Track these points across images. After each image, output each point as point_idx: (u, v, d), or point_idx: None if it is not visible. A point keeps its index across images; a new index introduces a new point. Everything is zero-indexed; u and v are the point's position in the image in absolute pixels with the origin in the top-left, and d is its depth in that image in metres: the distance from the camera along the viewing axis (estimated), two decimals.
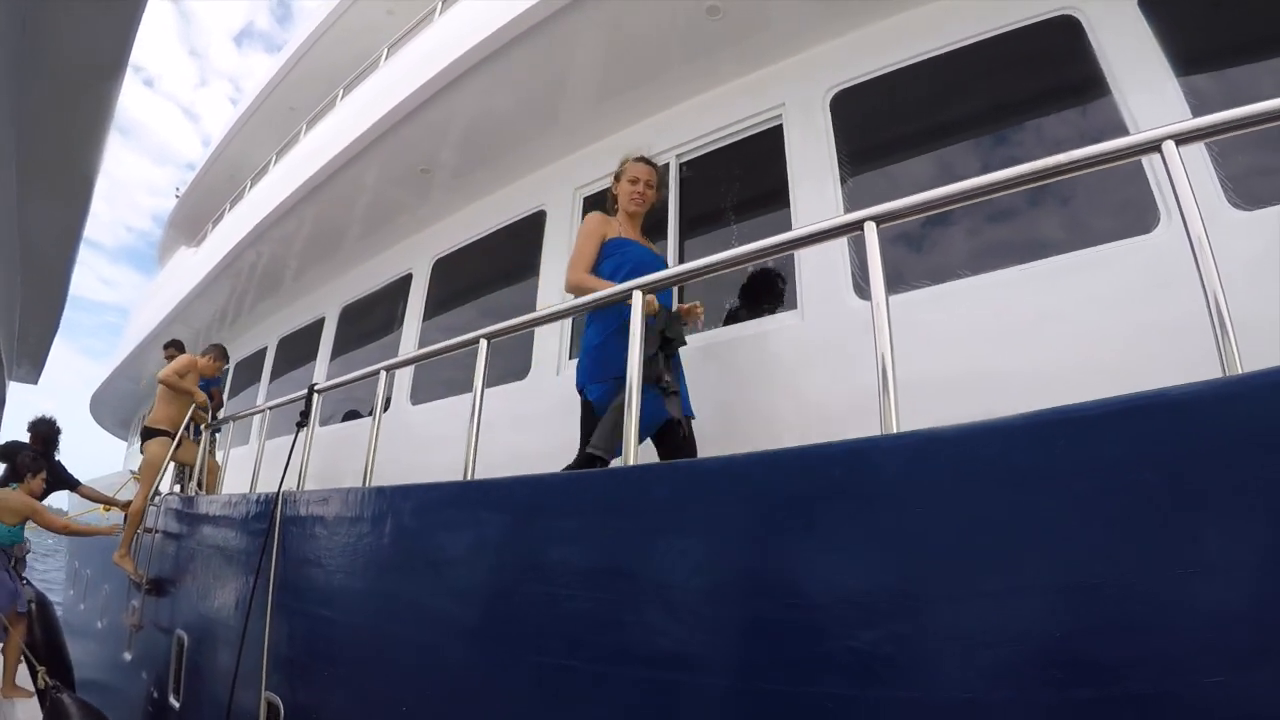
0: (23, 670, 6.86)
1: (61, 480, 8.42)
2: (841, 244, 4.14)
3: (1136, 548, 1.66)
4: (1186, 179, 2.00)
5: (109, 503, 8.84)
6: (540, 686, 2.82)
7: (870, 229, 2.48)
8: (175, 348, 9.36)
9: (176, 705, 5.96)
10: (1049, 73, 4.07)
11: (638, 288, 3.09)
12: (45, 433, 8.26)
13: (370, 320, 8.83)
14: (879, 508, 2.06)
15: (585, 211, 6.04)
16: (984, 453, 1.92)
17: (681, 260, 5.08)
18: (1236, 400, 1.65)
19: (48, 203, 3.88)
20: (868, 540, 2.06)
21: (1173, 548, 1.63)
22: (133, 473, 9.59)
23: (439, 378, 6.91)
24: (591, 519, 2.82)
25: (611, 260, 3.88)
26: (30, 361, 6.82)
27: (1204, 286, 1.91)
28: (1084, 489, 1.75)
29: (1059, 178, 2.24)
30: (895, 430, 2.17)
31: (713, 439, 3.79)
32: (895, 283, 3.61)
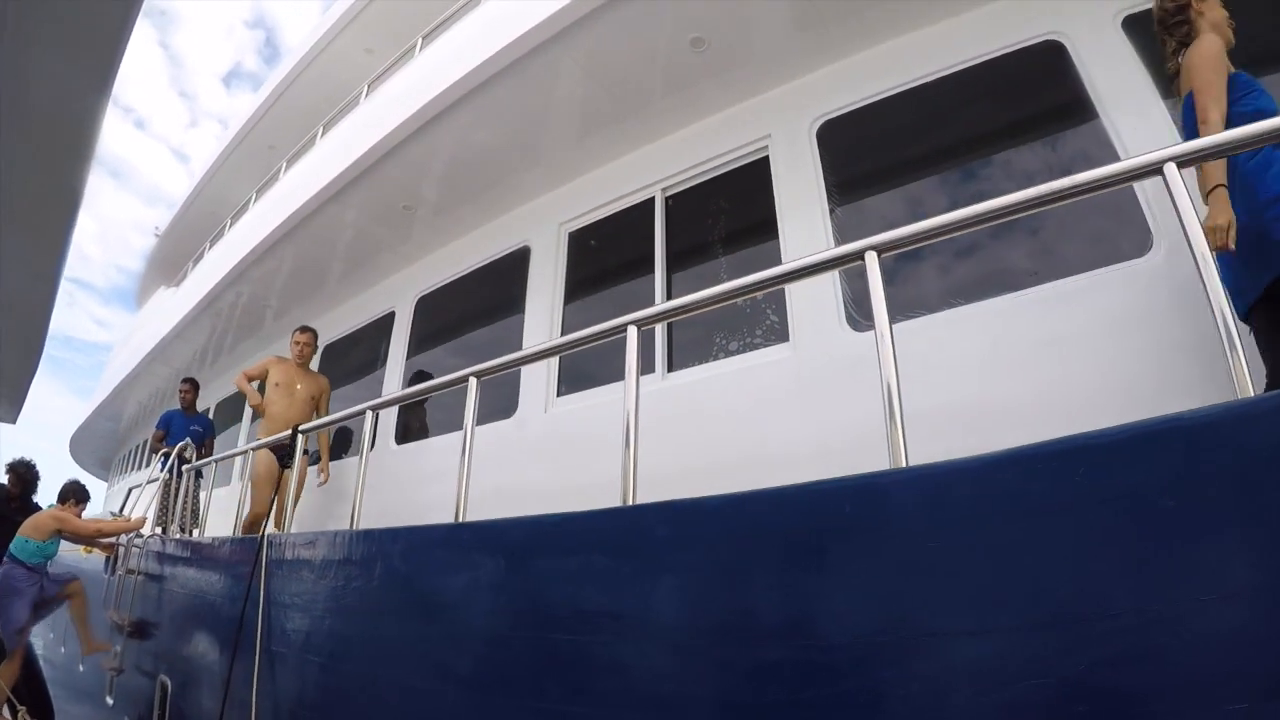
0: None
1: None
2: (832, 275, 4.09)
3: (1159, 576, 1.64)
4: (1190, 200, 1.98)
5: (89, 544, 8.65)
6: None
7: (872, 259, 2.43)
8: (190, 384, 9.23)
9: None
10: (1036, 98, 4.08)
11: (632, 322, 3.03)
12: (25, 475, 8.17)
13: (352, 359, 8.73)
14: (893, 543, 2.01)
15: (570, 248, 6.00)
16: (1000, 484, 1.89)
17: (669, 295, 5.03)
18: (1254, 421, 1.63)
19: (26, 243, 3.81)
20: (882, 577, 2.01)
21: (1196, 574, 1.60)
22: (113, 513, 9.41)
23: (425, 417, 6.85)
24: (591, 560, 2.74)
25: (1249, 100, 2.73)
26: (8, 401, 6.73)
27: (1212, 307, 1.88)
28: (1104, 517, 1.72)
29: (1059, 203, 2.22)
30: (904, 462, 2.12)
31: (705, 474, 3.73)
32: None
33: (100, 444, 20.54)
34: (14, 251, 3.85)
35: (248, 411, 10.95)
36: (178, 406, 9.20)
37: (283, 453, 5.47)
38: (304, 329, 6.92)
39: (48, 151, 3.06)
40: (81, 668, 8.90)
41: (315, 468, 6.91)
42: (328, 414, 6.61)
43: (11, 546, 6.78)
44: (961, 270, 3.93)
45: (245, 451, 6.30)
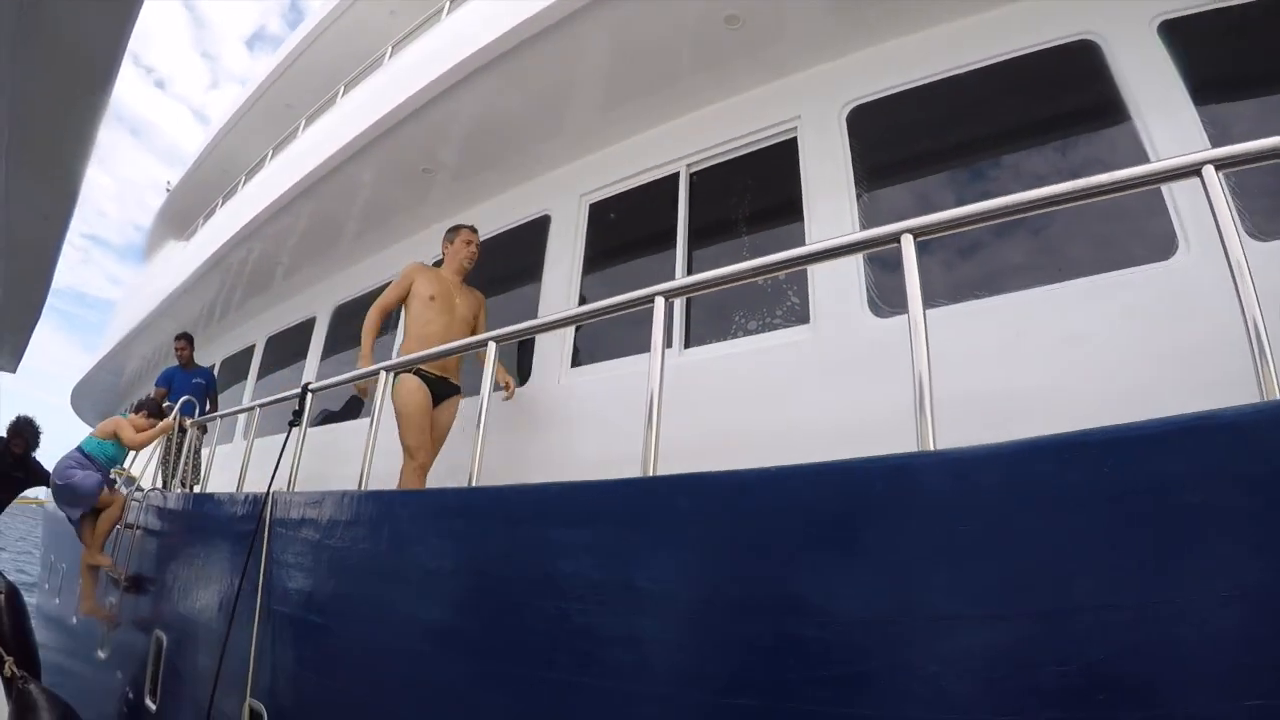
0: None
1: (38, 477, 8.45)
2: (856, 260, 4.07)
3: (1182, 571, 1.65)
4: (1227, 203, 1.98)
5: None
6: (547, 703, 2.73)
7: (908, 242, 2.41)
8: (185, 340, 9.25)
9: (153, 707, 5.82)
10: (1068, 96, 4.05)
11: (660, 293, 3.01)
12: (26, 433, 8.28)
13: (361, 322, 8.66)
14: (921, 524, 2.01)
15: (590, 219, 5.98)
16: (1031, 472, 1.89)
17: (690, 270, 5.01)
18: None
19: (35, 191, 3.79)
20: (908, 557, 2.01)
21: (1218, 572, 1.61)
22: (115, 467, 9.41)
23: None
24: (607, 530, 2.73)
25: None
26: (9, 349, 6.72)
27: (1244, 311, 1.88)
28: (1132, 509, 1.72)
29: (1094, 198, 2.22)
30: (933, 446, 2.12)
31: (717, 451, 3.72)
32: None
33: (102, 397, 20.51)
34: (22, 193, 3.82)
35: (253, 369, 10.93)
36: (175, 364, 9.22)
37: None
38: (473, 228, 5.70)
39: (62, 92, 3.02)
40: (75, 620, 8.94)
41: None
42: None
43: (81, 443, 7.47)
44: (986, 262, 3.91)
45: (252, 408, 6.24)
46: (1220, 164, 2.00)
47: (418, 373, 4.91)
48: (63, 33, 2.59)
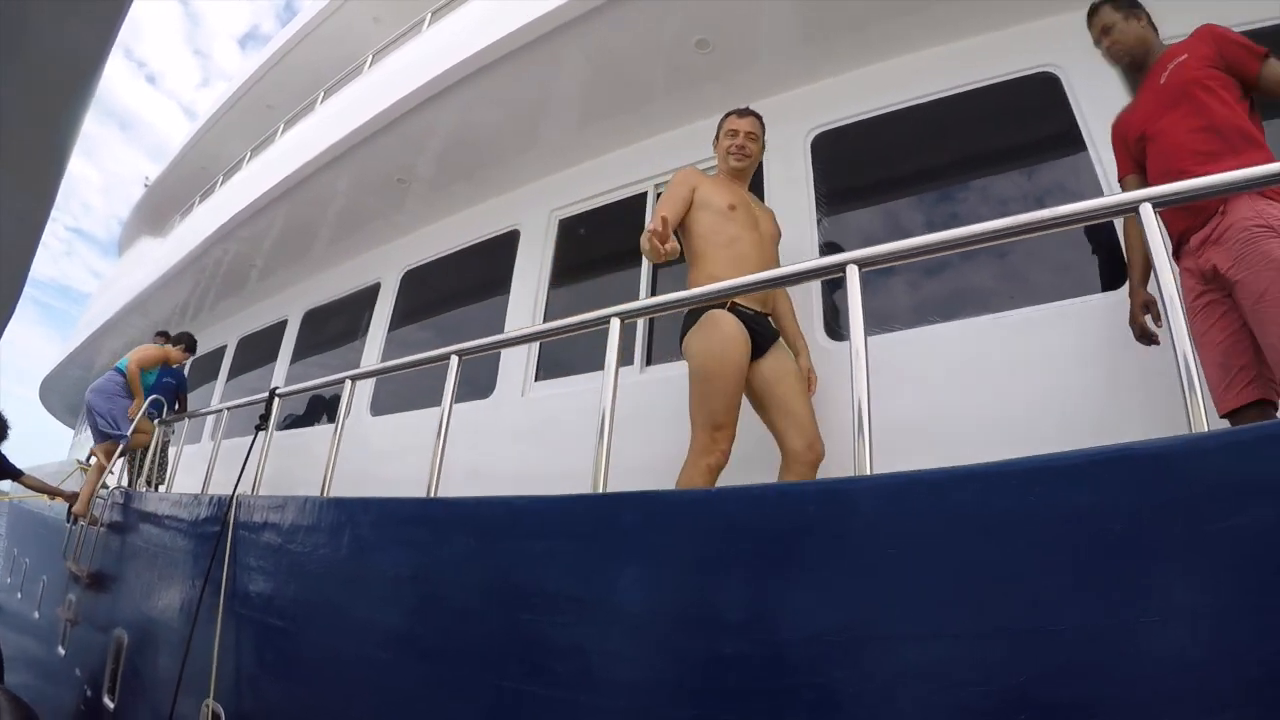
0: None
1: (4, 470, 8.34)
2: (814, 285, 4.17)
3: (1104, 595, 1.70)
4: (1162, 242, 2.06)
5: (54, 493, 8.62)
6: (498, 710, 2.79)
7: (852, 272, 2.50)
8: (164, 338, 9.22)
9: (111, 706, 5.79)
10: (1028, 126, 4.18)
11: (616, 314, 3.10)
12: None
13: (334, 326, 8.73)
14: (853, 546, 2.07)
15: (559, 234, 6.06)
16: (960, 497, 1.94)
17: (654, 287, 5.11)
18: (1205, 456, 1.70)
19: (10, 192, 3.78)
20: (838, 578, 2.07)
21: (1139, 596, 1.67)
22: (79, 462, 9.38)
23: (400, 390, 6.86)
24: (559, 544, 2.80)
25: None
26: None
27: (1174, 346, 1.96)
28: (1056, 536, 1.78)
29: (1039, 233, 2.29)
30: (869, 471, 2.19)
31: (675, 467, 3.79)
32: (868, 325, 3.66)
33: (71, 390, 20.26)
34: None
35: (223, 370, 10.89)
36: None
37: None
38: (742, 110, 4.05)
39: (43, 94, 3.02)
40: (37, 615, 8.88)
41: None
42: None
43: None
44: (938, 288, 4.02)
45: (220, 410, 6.26)
46: (1157, 202, 2.09)
47: (732, 308, 3.45)
48: (44, 35, 2.60)
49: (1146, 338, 2.89)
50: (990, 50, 4.28)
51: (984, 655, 1.81)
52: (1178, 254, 2.82)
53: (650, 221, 3.32)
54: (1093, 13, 3.19)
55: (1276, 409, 2.55)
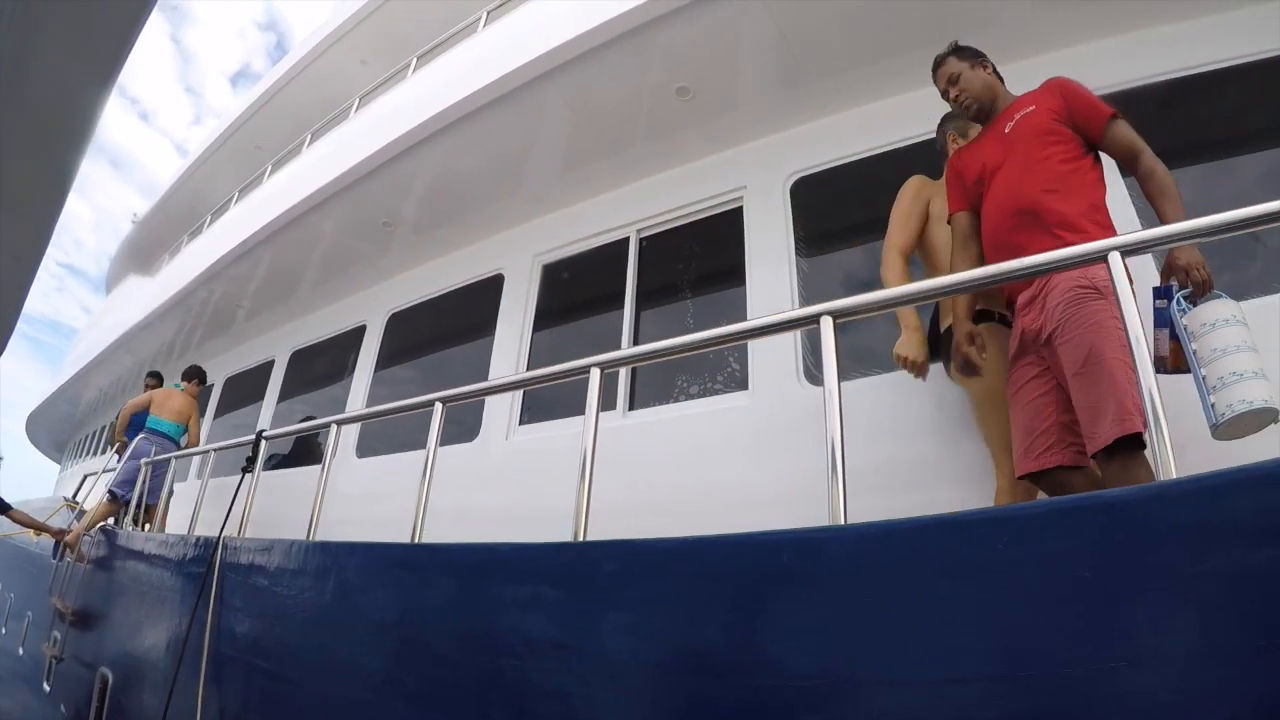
0: None
1: None
2: (793, 332, 4.22)
3: (1071, 640, 1.72)
4: (1130, 289, 2.09)
5: (41, 528, 8.58)
6: None
7: (827, 323, 2.54)
8: (155, 379, 9.23)
9: None
10: None
11: (596, 364, 3.14)
12: None
13: (320, 367, 8.79)
14: (826, 594, 2.09)
15: (543, 278, 6.14)
16: (929, 546, 1.97)
17: (637, 333, 5.17)
18: (1166, 503, 1.73)
19: (6, 231, 3.80)
20: (815, 626, 2.08)
21: (1105, 640, 1.69)
22: (65, 499, 9.36)
23: (386, 432, 6.90)
24: (541, 590, 2.81)
25: None
26: None
27: (1141, 385, 2.00)
28: (1023, 584, 1.81)
29: (1012, 279, 2.35)
30: (844, 518, 2.21)
31: (663, 510, 3.83)
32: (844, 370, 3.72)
33: (58, 426, 20.28)
34: None
35: (210, 409, 10.87)
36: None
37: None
38: (941, 59, 3.30)
39: (41, 137, 3.03)
40: (21, 650, 8.84)
41: None
42: None
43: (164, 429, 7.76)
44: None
45: (207, 451, 6.26)
46: (1126, 250, 2.12)
47: (1001, 318, 3.25)
48: (43, 82, 2.62)
49: (970, 369, 2.92)
50: None
51: (957, 701, 1.82)
52: (1012, 312, 2.91)
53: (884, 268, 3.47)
54: (939, 64, 3.25)
55: (1081, 471, 2.60)
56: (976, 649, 1.84)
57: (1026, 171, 2.82)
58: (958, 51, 3.21)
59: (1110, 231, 2.65)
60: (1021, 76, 3.25)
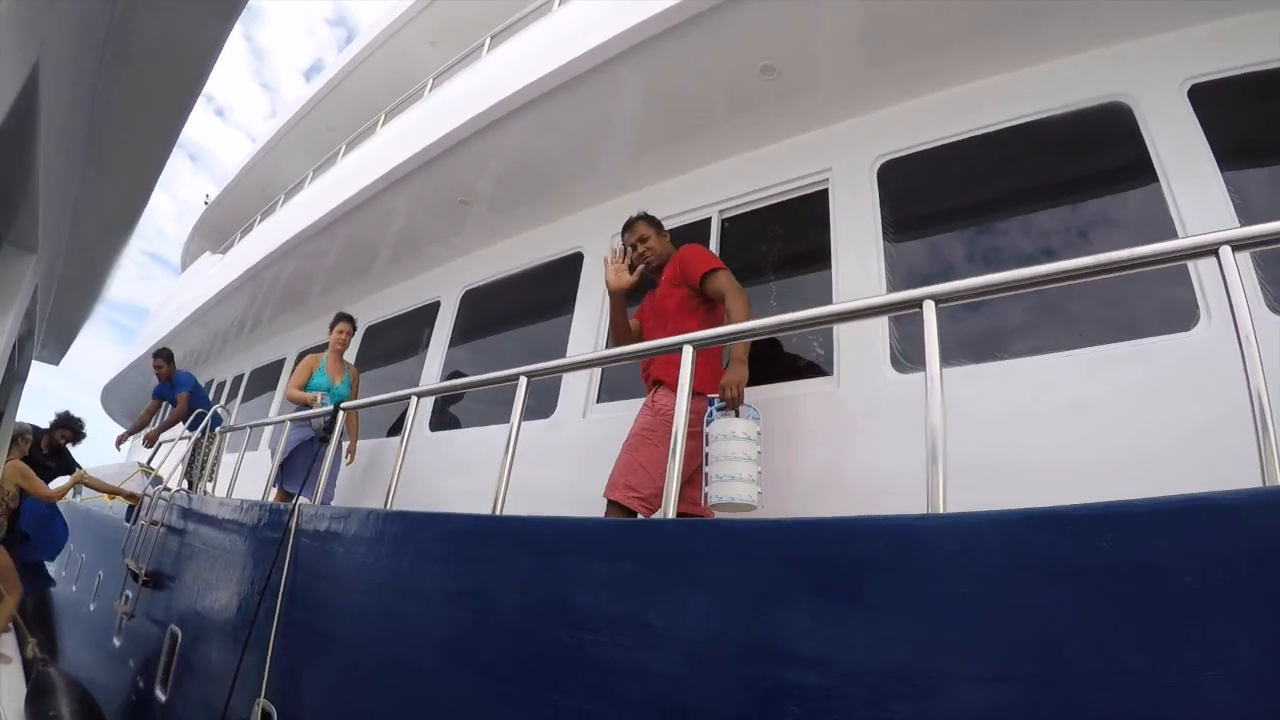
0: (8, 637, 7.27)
1: (67, 469, 8.96)
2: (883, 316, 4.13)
3: (1170, 647, 1.66)
4: (1241, 284, 1.99)
5: (114, 492, 8.82)
6: None
7: (929, 307, 2.47)
8: (164, 358, 9.41)
9: (163, 698, 5.91)
10: (1098, 157, 4.09)
11: (688, 342, 3.11)
12: (74, 424, 9.07)
13: (392, 341, 8.94)
14: (921, 585, 2.05)
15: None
16: (1029, 540, 1.92)
17: None
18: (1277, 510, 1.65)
19: (105, 195, 3.81)
20: (907, 615, 2.05)
21: (1208, 650, 1.62)
22: (140, 464, 9.63)
23: (457, 408, 6.95)
24: (625, 567, 2.80)
25: None
26: (56, 344, 6.79)
27: (1250, 390, 1.89)
28: (1123, 584, 1.75)
29: (1114, 274, 2.23)
30: (942, 508, 2.17)
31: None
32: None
33: (130, 397, 20.93)
34: (94, 195, 3.82)
35: (282, 380, 11.11)
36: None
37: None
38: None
39: (148, 96, 2.93)
40: (92, 607, 9.10)
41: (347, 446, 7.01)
42: None
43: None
44: (1005, 325, 3.96)
45: (283, 420, 6.35)
46: (1237, 244, 2.04)
47: None
48: (154, 36, 2.56)
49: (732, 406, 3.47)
50: (1058, 78, 4.21)
51: (1045, 699, 1.78)
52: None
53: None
54: (631, 225, 4.46)
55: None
56: (1073, 648, 1.78)
57: (657, 324, 4.23)
58: (647, 219, 4.47)
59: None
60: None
